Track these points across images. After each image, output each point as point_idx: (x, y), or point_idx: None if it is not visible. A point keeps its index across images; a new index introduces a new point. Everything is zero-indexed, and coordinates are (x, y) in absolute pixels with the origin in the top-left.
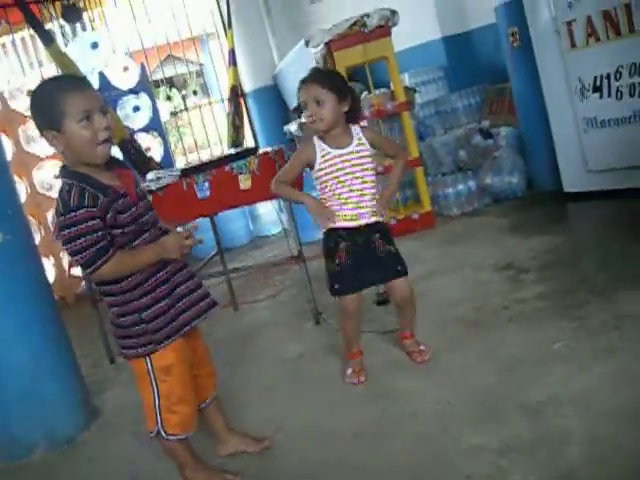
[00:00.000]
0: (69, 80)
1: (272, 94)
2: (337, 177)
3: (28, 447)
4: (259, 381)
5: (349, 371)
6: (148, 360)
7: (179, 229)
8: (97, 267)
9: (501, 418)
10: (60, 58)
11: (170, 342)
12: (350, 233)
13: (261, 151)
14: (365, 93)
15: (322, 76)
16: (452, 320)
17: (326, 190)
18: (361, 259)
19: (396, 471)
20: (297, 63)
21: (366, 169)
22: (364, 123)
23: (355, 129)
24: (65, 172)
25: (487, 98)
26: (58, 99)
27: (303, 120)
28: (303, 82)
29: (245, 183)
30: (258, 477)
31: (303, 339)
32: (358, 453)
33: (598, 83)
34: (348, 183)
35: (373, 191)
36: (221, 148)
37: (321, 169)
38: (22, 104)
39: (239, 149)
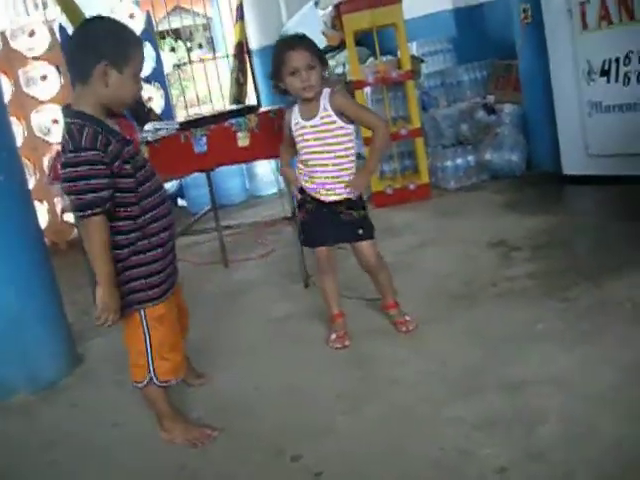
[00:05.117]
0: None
1: None
2: (304, 148)
3: (9, 389)
4: (243, 339)
5: (333, 336)
6: (142, 312)
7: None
8: (88, 215)
9: (481, 393)
10: (64, 1)
11: (164, 299)
12: (317, 200)
13: (262, 110)
14: (371, 59)
15: (309, 41)
16: (440, 293)
17: (300, 156)
18: (322, 219)
19: (371, 437)
20: (305, 24)
21: (334, 143)
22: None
23: (324, 95)
24: (74, 113)
25: (494, 73)
26: (132, 44)
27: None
28: (291, 48)
29: (243, 141)
30: (235, 434)
31: (291, 300)
32: (334, 417)
33: (606, 67)
34: (312, 157)
35: (345, 166)
36: (223, 104)
37: (293, 137)
38: (24, 44)
39: (240, 106)
